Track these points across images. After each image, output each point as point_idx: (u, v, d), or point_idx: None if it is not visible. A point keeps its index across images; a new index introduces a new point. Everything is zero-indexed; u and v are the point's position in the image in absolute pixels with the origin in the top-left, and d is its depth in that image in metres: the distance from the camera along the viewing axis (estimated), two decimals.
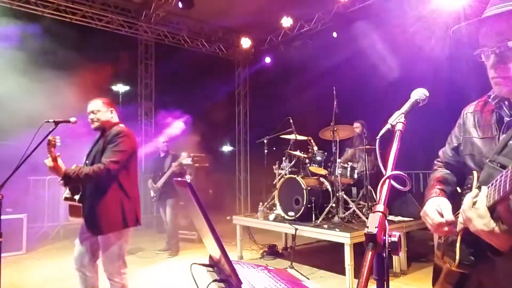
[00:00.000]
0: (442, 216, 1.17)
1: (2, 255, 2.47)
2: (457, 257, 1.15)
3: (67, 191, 2.82)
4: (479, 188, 1.05)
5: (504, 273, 1.11)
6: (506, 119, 1.14)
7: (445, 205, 1.20)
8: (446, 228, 1.16)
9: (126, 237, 2.82)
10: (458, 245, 1.16)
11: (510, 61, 1.06)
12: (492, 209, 0.96)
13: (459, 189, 1.35)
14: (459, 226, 1.16)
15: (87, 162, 2.90)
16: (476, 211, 0.97)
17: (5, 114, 6.55)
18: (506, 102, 1.16)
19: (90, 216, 2.75)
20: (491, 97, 1.20)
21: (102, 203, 2.72)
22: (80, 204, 2.77)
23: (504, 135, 1.13)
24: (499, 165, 1.07)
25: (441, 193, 1.29)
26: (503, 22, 1.06)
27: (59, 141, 2.54)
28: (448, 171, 1.41)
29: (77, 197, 2.77)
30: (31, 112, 6.20)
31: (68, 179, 2.61)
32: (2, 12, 6.76)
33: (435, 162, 1.51)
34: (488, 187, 0.97)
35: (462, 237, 1.16)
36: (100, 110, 2.90)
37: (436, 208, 1.20)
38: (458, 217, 1.18)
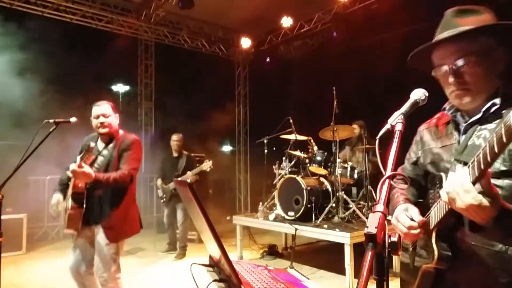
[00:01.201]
0: (412, 220, 1.24)
1: (2, 255, 2.47)
2: (436, 252, 1.19)
3: (70, 200, 2.71)
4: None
5: (477, 270, 1.17)
6: (463, 125, 1.29)
7: (413, 209, 1.28)
8: (417, 231, 1.21)
9: (122, 242, 2.83)
10: (434, 240, 1.21)
11: (466, 75, 1.21)
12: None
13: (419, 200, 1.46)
14: (432, 224, 1.24)
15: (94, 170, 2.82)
16: (462, 187, 0.99)
17: (6, 114, 6.56)
18: (459, 112, 1.32)
19: (108, 223, 2.74)
20: (446, 108, 1.37)
21: (119, 211, 2.76)
22: (80, 216, 2.72)
23: (463, 137, 1.27)
24: (463, 163, 1.16)
25: (406, 200, 1.37)
26: (457, 43, 1.22)
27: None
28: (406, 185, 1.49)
29: (78, 205, 2.72)
30: (31, 112, 6.22)
31: (98, 184, 2.63)
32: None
33: (394, 180, 1.55)
34: (468, 167, 1.01)
35: (436, 234, 1.22)
36: (111, 114, 2.88)
37: (405, 213, 1.27)
38: (429, 218, 1.26)
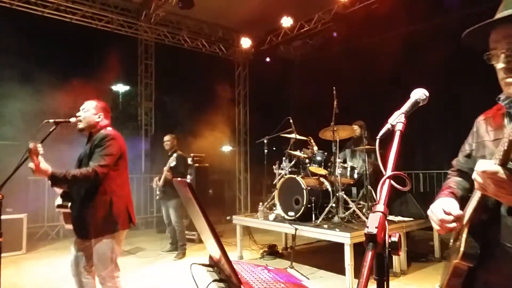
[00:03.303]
0: (447, 213, 1.19)
1: (2, 255, 2.47)
2: (462, 248, 1.15)
3: (59, 198, 2.79)
4: None
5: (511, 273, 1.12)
6: None
7: (451, 203, 1.23)
8: (451, 224, 1.17)
9: (118, 240, 2.78)
10: (464, 236, 1.17)
11: None
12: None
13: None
14: (466, 219, 1.19)
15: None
16: (487, 167, 0.96)
17: (5, 114, 6.56)
18: None
19: (78, 220, 2.73)
20: (501, 99, 1.24)
21: (90, 207, 2.68)
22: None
23: None
24: None
25: (449, 195, 1.32)
26: None
27: (42, 149, 2.47)
28: (460, 178, 1.44)
29: (68, 203, 2.75)
30: (30, 112, 6.22)
31: (55, 180, 2.55)
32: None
33: (449, 171, 1.53)
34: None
35: (468, 230, 1.17)
36: (88, 110, 2.85)
37: (441, 206, 1.22)
38: (465, 212, 1.21)
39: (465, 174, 1.43)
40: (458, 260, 1.17)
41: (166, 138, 6.01)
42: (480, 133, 1.34)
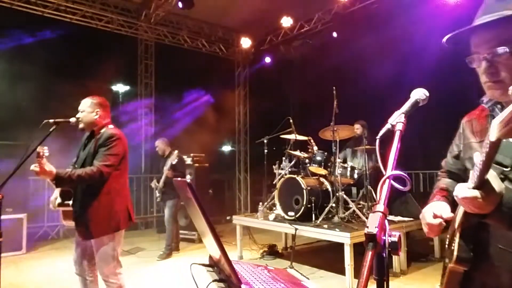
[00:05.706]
0: (438, 217, 1.22)
1: (2, 255, 2.47)
2: (455, 253, 1.16)
3: (58, 197, 2.79)
4: None
5: (506, 275, 1.12)
6: None
7: (442, 206, 1.25)
8: (440, 228, 1.20)
9: (118, 238, 2.79)
10: (456, 240, 1.18)
11: (500, 66, 1.12)
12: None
13: None
14: (457, 223, 1.20)
15: (76, 165, 2.86)
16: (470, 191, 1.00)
17: (5, 114, 6.56)
18: (499, 105, 1.20)
19: (81, 220, 2.73)
20: (484, 101, 1.26)
21: (92, 207, 2.69)
22: (71, 212, 2.77)
23: None
24: (495, 162, 1.09)
25: (441, 199, 1.34)
26: (493, 30, 1.11)
27: (47, 152, 2.48)
28: (450, 180, 1.45)
29: (69, 202, 2.76)
30: (30, 112, 6.23)
31: (60, 181, 2.55)
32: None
33: (439, 173, 1.55)
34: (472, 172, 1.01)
35: (460, 234, 1.18)
36: (85, 110, 2.85)
37: (432, 210, 1.25)
38: (456, 214, 1.22)
39: (455, 175, 1.44)
40: (452, 264, 1.18)
41: (157, 143, 6.04)
42: (466, 134, 1.36)
